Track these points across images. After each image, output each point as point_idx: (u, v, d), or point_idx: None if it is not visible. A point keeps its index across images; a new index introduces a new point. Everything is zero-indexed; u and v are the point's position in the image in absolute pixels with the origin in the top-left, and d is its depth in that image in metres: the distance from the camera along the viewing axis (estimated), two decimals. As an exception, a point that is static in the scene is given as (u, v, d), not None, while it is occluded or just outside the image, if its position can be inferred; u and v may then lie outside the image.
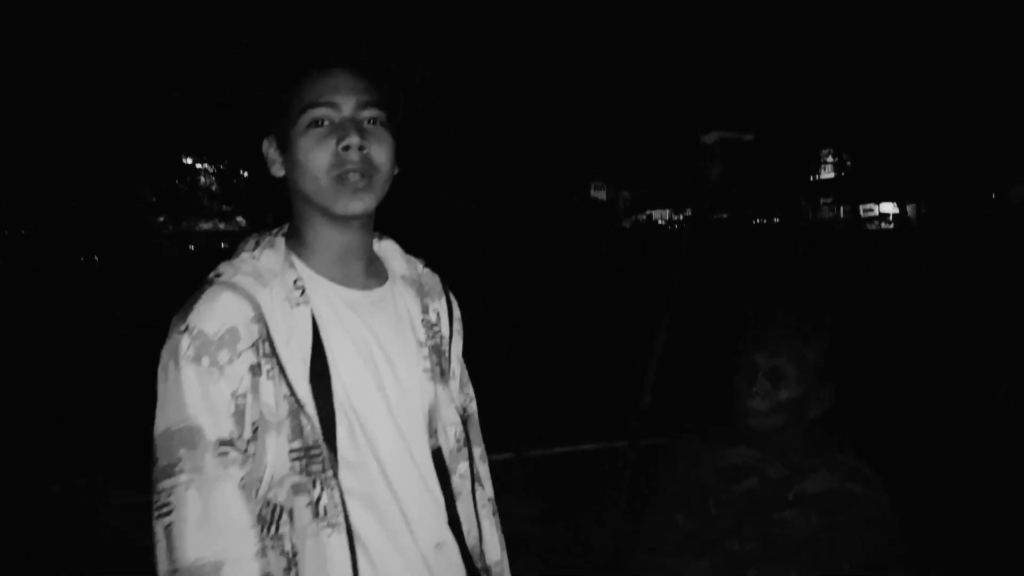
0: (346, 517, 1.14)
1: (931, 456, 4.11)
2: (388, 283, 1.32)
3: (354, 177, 1.19)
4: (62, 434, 5.23)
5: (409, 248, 1.42)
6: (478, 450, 1.41)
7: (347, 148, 1.19)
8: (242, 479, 1.11)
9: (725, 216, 26.41)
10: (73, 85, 9.78)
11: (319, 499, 1.13)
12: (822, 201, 38.21)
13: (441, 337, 1.35)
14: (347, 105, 1.22)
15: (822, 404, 1.66)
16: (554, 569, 3.51)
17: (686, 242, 3.69)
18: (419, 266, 1.40)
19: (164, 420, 1.11)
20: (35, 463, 4.69)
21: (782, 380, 1.62)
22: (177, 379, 1.11)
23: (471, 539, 1.32)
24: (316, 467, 1.13)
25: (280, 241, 1.25)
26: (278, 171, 1.26)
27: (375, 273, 1.31)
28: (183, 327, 1.12)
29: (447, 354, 1.35)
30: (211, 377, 1.10)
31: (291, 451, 1.13)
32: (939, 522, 3.35)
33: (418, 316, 1.32)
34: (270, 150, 1.27)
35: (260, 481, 1.13)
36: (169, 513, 1.08)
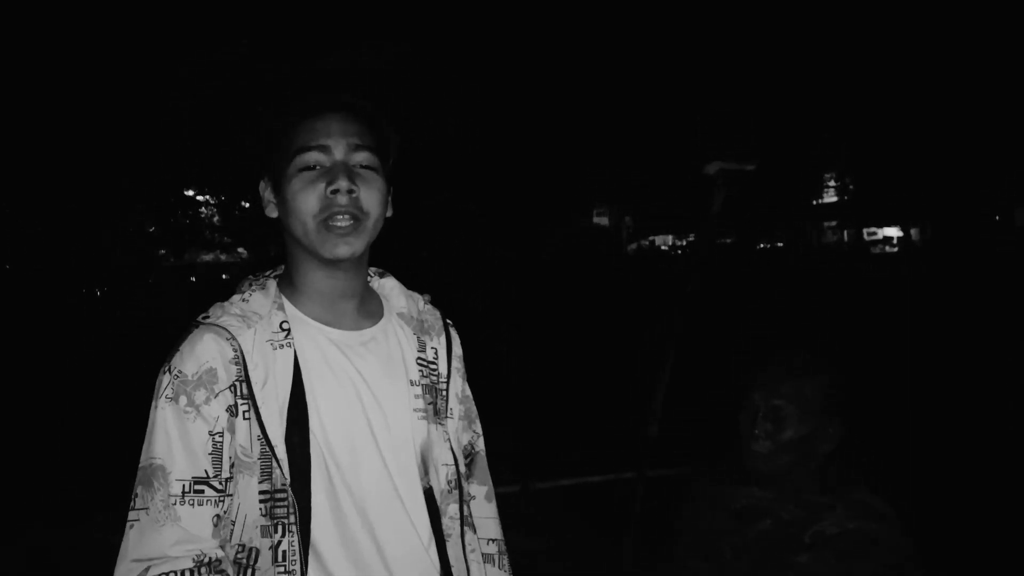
0: (303, 566, 1.13)
1: (946, 478, 4.03)
2: (382, 322, 1.32)
3: (342, 221, 1.19)
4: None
5: (414, 254, 1.41)
6: (484, 489, 1.41)
7: (335, 192, 1.19)
8: (215, 517, 1.13)
9: (729, 241, 26.47)
10: (72, 112, 9.82)
11: (279, 544, 1.13)
12: (826, 225, 38.27)
13: (438, 375, 1.34)
14: (338, 149, 1.21)
15: (830, 440, 1.64)
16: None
17: (691, 272, 3.67)
18: (420, 303, 1.39)
19: (143, 454, 1.16)
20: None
21: (783, 420, 1.62)
22: (154, 418, 1.14)
23: None
24: (280, 511, 1.13)
25: (272, 283, 1.26)
26: (272, 212, 1.28)
27: (368, 313, 1.31)
28: (166, 367, 1.16)
29: (444, 392, 1.33)
30: (188, 416, 1.13)
31: (260, 493, 1.14)
32: (954, 541, 3.29)
33: (412, 354, 1.31)
34: (265, 191, 1.29)
35: (234, 523, 1.14)
36: (123, 538, 1.13)
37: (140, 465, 1.14)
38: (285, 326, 1.20)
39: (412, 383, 1.29)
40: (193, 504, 1.11)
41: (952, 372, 6.21)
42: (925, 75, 18.97)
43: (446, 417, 1.32)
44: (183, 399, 1.13)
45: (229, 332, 1.17)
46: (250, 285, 1.26)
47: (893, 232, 35.84)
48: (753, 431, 1.64)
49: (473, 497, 1.38)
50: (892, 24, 18.21)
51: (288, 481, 1.14)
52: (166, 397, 1.13)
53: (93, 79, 9.72)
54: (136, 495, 1.13)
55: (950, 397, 5.61)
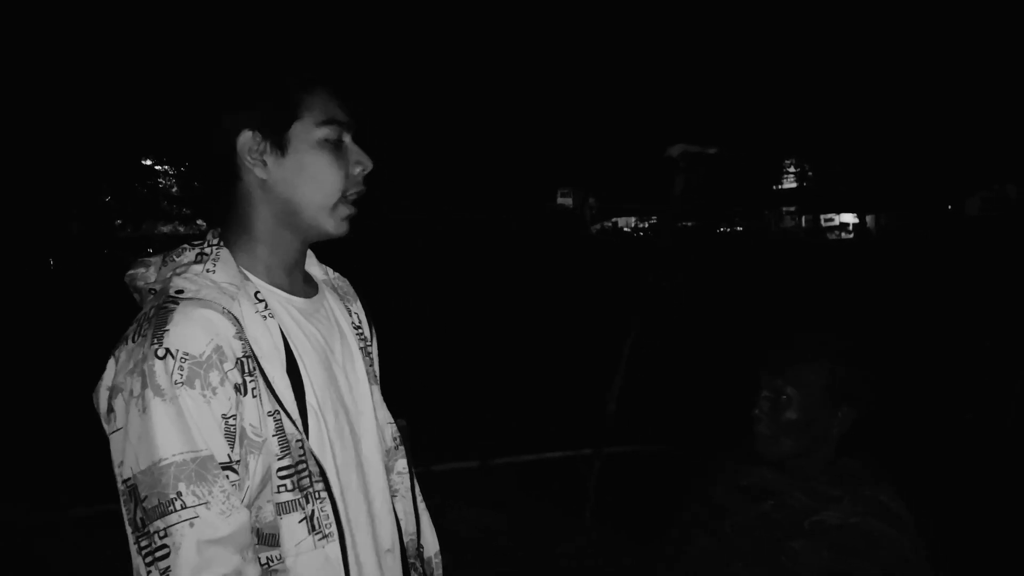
0: (339, 527, 1.14)
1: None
2: (320, 290, 1.30)
3: (355, 201, 1.21)
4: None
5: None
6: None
7: (363, 172, 1.20)
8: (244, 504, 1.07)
9: (690, 225, 26.70)
10: (22, 76, 9.49)
11: (313, 513, 1.11)
12: (784, 210, 38.81)
13: (366, 340, 1.34)
14: (352, 129, 1.21)
15: (839, 425, 1.60)
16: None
17: (657, 254, 3.72)
18: (330, 271, 1.37)
19: (148, 455, 1.02)
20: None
21: (784, 402, 1.59)
22: (166, 409, 1.02)
23: (408, 536, 1.33)
24: (305, 481, 1.11)
25: (226, 253, 1.18)
26: (261, 173, 1.17)
27: (309, 281, 1.30)
28: (160, 351, 1.03)
29: (373, 356, 1.35)
30: (204, 400, 1.04)
31: (280, 470, 1.10)
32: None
33: (346, 320, 1.31)
34: (256, 147, 1.16)
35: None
36: (166, 556, 1.01)
37: (164, 463, 1.02)
38: (260, 296, 1.16)
39: (358, 348, 1.30)
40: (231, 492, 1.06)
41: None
42: (882, 68, 19.26)
43: (377, 380, 1.34)
44: (198, 382, 1.04)
45: (221, 305, 1.09)
46: (200, 257, 1.17)
47: (849, 218, 36.49)
48: (755, 412, 1.62)
49: None
50: (850, 17, 18.43)
51: (311, 450, 1.13)
52: (177, 383, 1.03)
53: (39, 39, 9.40)
54: (180, 494, 1.02)
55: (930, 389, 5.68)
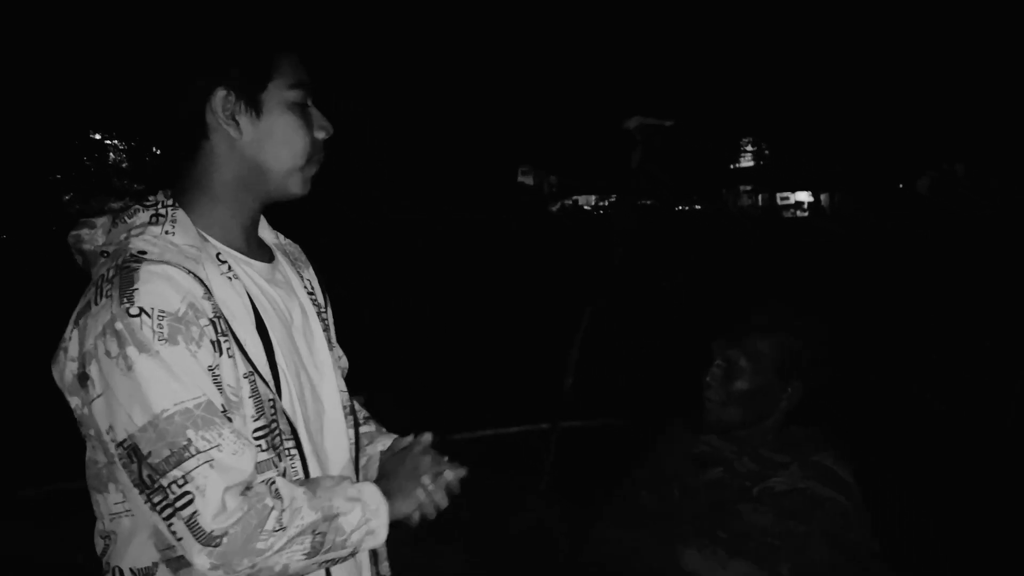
0: (306, 477, 1.16)
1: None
2: (275, 255, 1.30)
3: (318, 164, 1.22)
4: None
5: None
6: (363, 411, 1.47)
7: (325, 138, 1.22)
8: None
9: (649, 203, 26.84)
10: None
11: (285, 471, 1.13)
12: (741, 189, 39.26)
13: (319, 305, 1.33)
14: (312, 95, 1.22)
15: (788, 400, 1.63)
16: (479, 552, 3.51)
17: (616, 230, 3.74)
18: (281, 236, 1.38)
19: (144, 411, 1.01)
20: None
21: (736, 372, 1.62)
22: (154, 363, 1.02)
23: None
24: (277, 440, 1.13)
25: (181, 214, 1.16)
26: (234, 133, 1.16)
27: (262, 246, 1.30)
28: (133, 310, 1.02)
29: (327, 321, 1.35)
30: (191, 354, 1.04)
31: (256, 430, 1.11)
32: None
33: (300, 286, 1.31)
34: (227, 105, 1.15)
35: None
36: (189, 503, 1.01)
37: (165, 415, 1.01)
38: (222, 258, 1.16)
39: (315, 313, 1.31)
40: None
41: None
42: (837, 48, 19.51)
43: (333, 346, 1.35)
44: (180, 338, 1.03)
45: (186, 267, 1.08)
46: (156, 219, 1.14)
47: (804, 197, 37.07)
48: (706, 380, 1.65)
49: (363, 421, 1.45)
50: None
51: (283, 411, 1.14)
52: (160, 340, 1.02)
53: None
54: (191, 441, 1.01)
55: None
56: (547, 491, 3.77)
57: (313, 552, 1.07)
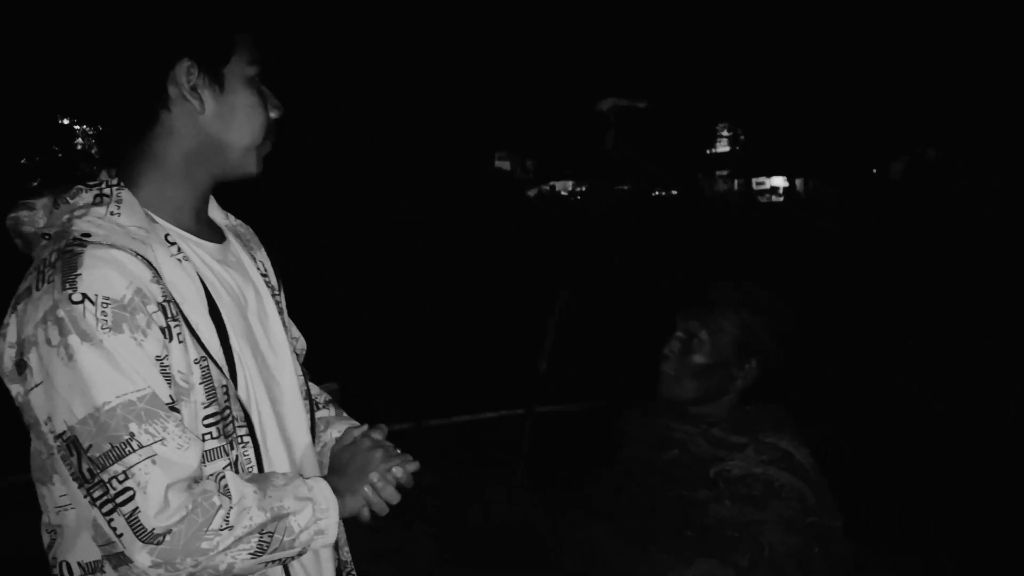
0: (260, 470, 1.14)
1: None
2: (226, 237, 1.26)
3: (271, 144, 1.21)
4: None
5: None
6: (322, 394, 1.44)
7: (278, 117, 1.21)
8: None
9: (626, 188, 26.94)
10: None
11: (237, 459, 1.10)
12: (718, 174, 39.50)
13: (273, 287, 1.30)
14: (264, 71, 1.20)
15: (745, 378, 1.62)
16: (455, 537, 3.51)
17: (590, 214, 3.74)
18: (231, 217, 1.33)
19: (85, 402, 0.98)
20: None
21: (694, 345, 1.61)
22: (97, 353, 0.98)
23: None
24: (230, 428, 1.10)
25: (127, 194, 1.11)
26: (197, 106, 1.12)
27: (213, 227, 1.25)
28: (76, 296, 0.98)
29: (281, 303, 1.32)
30: (136, 343, 1.00)
31: (205, 417, 1.07)
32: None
33: (252, 267, 1.27)
34: (190, 78, 1.11)
35: None
36: (130, 499, 0.97)
37: (106, 407, 0.98)
38: (171, 239, 1.12)
39: (270, 296, 1.28)
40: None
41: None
42: (811, 35, 19.61)
43: (288, 329, 1.31)
44: (125, 326, 0.99)
45: (134, 250, 1.03)
46: (101, 199, 1.09)
47: (779, 182, 37.36)
48: (664, 351, 1.64)
49: (319, 405, 1.41)
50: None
51: (236, 398, 1.11)
52: (103, 329, 0.98)
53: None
54: (133, 435, 0.97)
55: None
56: (523, 476, 3.77)
57: (260, 552, 1.04)
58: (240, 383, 1.13)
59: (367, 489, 1.18)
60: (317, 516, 1.09)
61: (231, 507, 1.02)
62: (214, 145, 1.15)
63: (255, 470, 1.13)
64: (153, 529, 0.97)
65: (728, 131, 35.65)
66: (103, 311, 0.99)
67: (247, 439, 1.12)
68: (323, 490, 1.12)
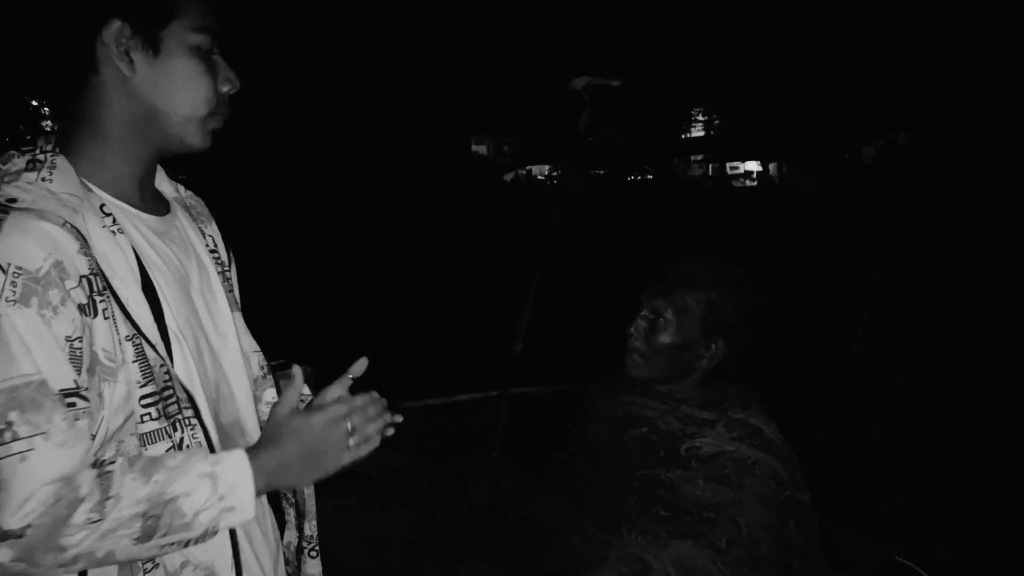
0: (211, 449, 1.09)
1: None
2: (171, 208, 1.21)
3: (222, 120, 1.15)
4: None
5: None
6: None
7: (231, 91, 1.15)
8: (92, 436, 0.98)
9: (602, 172, 26.96)
10: None
11: (182, 440, 1.05)
12: (692, 159, 39.63)
13: (223, 264, 1.27)
14: (221, 45, 1.14)
15: (711, 358, 1.61)
16: (430, 520, 3.52)
17: (561, 194, 3.75)
18: (181, 189, 1.28)
19: None
20: None
21: (660, 325, 1.59)
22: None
23: None
24: (172, 408, 1.05)
25: (62, 160, 1.06)
26: (126, 69, 1.07)
27: (159, 199, 1.21)
28: None
29: (232, 281, 1.29)
30: (43, 320, 0.94)
31: (143, 397, 1.02)
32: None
33: (200, 243, 1.23)
34: (121, 39, 1.06)
35: (93, 438, 1.00)
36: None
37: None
38: (106, 210, 1.07)
39: (216, 272, 1.23)
40: (74, 420, 0.97)
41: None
42: (785, 20, 19.69)
43: (238, 305, 1.28)
44: (35, 300, 0.93)
45: (62, 218, 0.98)
46: (33, 164, 1.04)
47: (753, 167, 37.59)
48: (630, 330, 1.62)
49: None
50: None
51: (176, 377, 1.06)
52: (8, 301, 0.92)
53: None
54: (10, 424, 0.91)
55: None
56: (498, 458, 3.78)
57: (145, 537, 0.97)
58: (178, 362, 1.08)
59: (345, 456, 1.09)
60: (221, 493, 1.00)
61: (102, 499, 0.95)
62: (149, 112, 1.10)
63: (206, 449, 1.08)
64: (10, 529, 0.92)
65: (703, 116, 35.77)
66: (13, 281, 0.94)
67: (194, 420, 1.07)
68: (234, 465, 1.02)
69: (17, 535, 0.92)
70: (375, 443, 1.10)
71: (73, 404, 0.96)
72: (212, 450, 1.09)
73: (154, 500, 0.97)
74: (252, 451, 1.05)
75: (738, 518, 1.50)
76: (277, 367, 1.49)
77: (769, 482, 1.52)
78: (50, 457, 0.93)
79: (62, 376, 0.96)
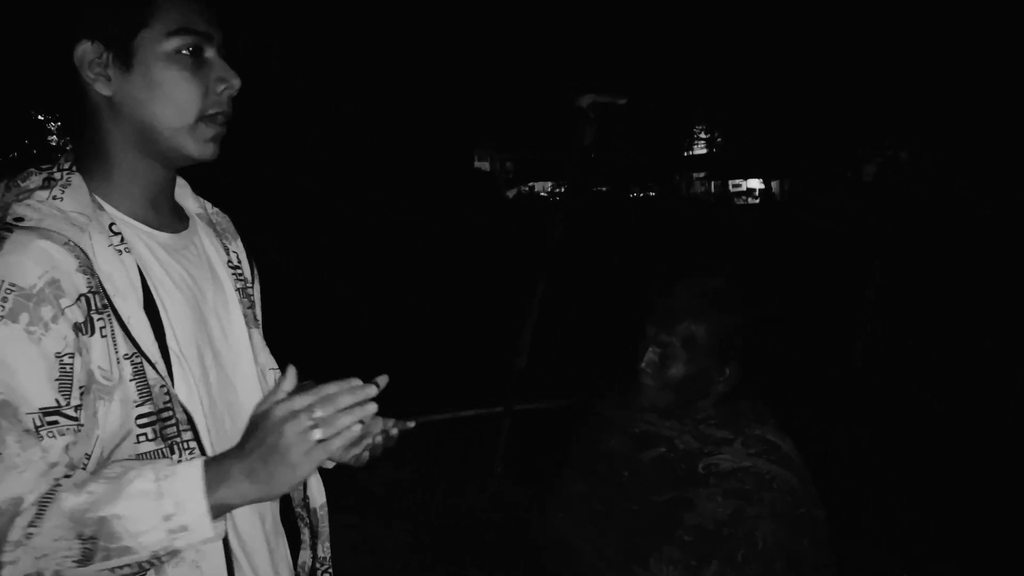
0: None
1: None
2: (191, 224, 1.21)
3: (222, 122, 1.10)
4: None
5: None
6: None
7: (228, 91, 1.10)
8: (66, 449, 0.95)
9: (604, 189, 27.03)
10: None
11: (180, 463, 1.02)
12: (695, 176, 39.71)
13: (245, 280, 1.25)
14: (217, 38, 1.09)
15: (725, 382, 1.59)
16: (431, 534, 3.51)
17: (563, 209, 3.76)
18: (208, 205, 1.28)
19: None
20: None
21: (671, 358, 1.57)
22: None
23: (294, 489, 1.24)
24: (171, 430, 1.02)
25: (77, 178, 1.06)
26: (103, 89, 1.05)
27: (178, 213, 1.20)
28: None
29: (253, 297, 1.26)
30: (32, 337, 0.93)
31: (139, 417, 1.00)
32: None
33: (222, 260, 1.22)
34: (95, 58, 1.04)
35: (88, 457, 0.98)
36: None
37: None
38: (115, 228, 1.06)
39: (234, 289, 1.21)
40: (47, 438, 0.94)
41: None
42: (787, 37, 19.78)
43: (259, 323, 1.26)
44: (24, 316, 0.93)
45: (65, 236, 0.98)
46: (48, 181, 1.05)
47: (755, 184, 37.66)
48: (641, 365, 1.59)
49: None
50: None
51: (175, 397, 1.04)
52: None
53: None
54: None
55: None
56: (502, 473, 3.78)
57: (85, 560, 0.91)
58: (179, 382, 1.06)
59: (291, 456, 0.92)
60: (166, 512, 0.91)
61: (39, 514, 0.90)
62: (140, 128, 1.07)
63: None
64: None
65: (705, 133, 35.89)
66: (4, 297, 0.94)
67: (192, 443, 1.04)
68: (184, 479, 0.92)
69: None
70: (351, 437, 0.91)
71: (54, 422, 0.94)
72: None
73: (77, 517, 0.90)
74: (214, 459, 0.95)
75: (756, 533, 1.49)
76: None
77: (786, 497, 1.51)
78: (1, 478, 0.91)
79: (40, 394, 0.94)
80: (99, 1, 1.04)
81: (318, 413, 0.90)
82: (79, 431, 0.96)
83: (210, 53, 1.09)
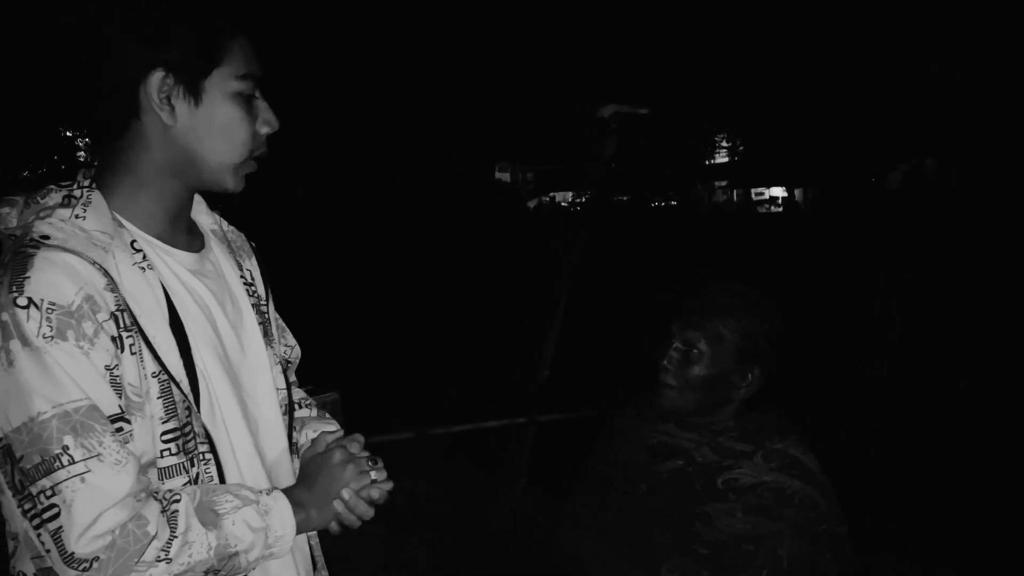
0: (221, 482, 1.11)
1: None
2: (207, 242, 1.23)
3: (258, 161, 1.16)
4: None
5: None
6: (299, 394, 1.40)
7: (268, 132, 1.16)
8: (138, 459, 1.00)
9: (625, 199, 27.01)
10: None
11: (198, 476, 1.07)
12: (717, 184, 39.53)
13: (259, 297, 1.27)
14: (261, 86, 1.15)
15: (748, 387, 1.57)
16: (452, 546, 3.51)
17: (585, 220, 3.76)
18: (223, 222, 1.30)
19: (21, 411, 0.94)
20: None
21: (694, 357, 1.56)
22: (37, 360, 0.94)
23: None
24: (191, 444, 1.06)
25: (98, 197, 1.08)
26: (168, 119, 1.08)
27: (194, 232, 1.22)
28: (22, 300, 0.95)
29: (267, 315, 1.27)
30: (82, 352, 0.96)
31: (164, 433, 1.04)
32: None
33: (236, 276, 1.24)
34: (164, 88, 1.07)
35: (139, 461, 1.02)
36: (55, 517, 0.94)
37: (42, 417, 0.94)
38: (137, 247, 1.08)
39: (249, 306, 1.23)
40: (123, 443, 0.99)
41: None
42: (809, 45, 19.69)
43: (272, 340, 1.27)
44: (71, 333, 0.95)
45: (91, 256, 1.00)
46: (69, 199, 1.06)
47: (779, 192, 37.41)
48: (663, 363, 1.58)
49: (298, 405, 1.36)
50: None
51: (196, 414, 1.07)
52: (45, 337, 0.94)
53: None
54: (66, 448, 0.93)
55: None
56: (525, 485, 3.76)
57: None
58: (203, 399, 1.09)
59: (336, 504, 1.15)
60: (270, 543, 1.08)
61: (171, 538, 0.98)
62: (187, 158, 1.11)
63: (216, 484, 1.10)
64: (74, 553, 0.94)
65: (727, 142, 35.76)
66: (48, 317, 0.95)
67: (208, 456, 1.09)
68: (279, 513, 1.09)
69: (84, 565, 0.93)
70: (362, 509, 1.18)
71: (120, 429, 0.98)
72: (223, 480, 1.11)
73: (220, 553, 1.03)
74: (294, 496, 1.13)
75: (779, 550, 1.46)
76: (310, 393, 1.50)
77: (809, 513, 1.48)
78: (108, 478, 0.95)
79: (108, 402, 0.98)
80: (183, 36, 1.07)
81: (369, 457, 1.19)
82: (133, 436, 1.01)
83: (258, 95, 1.15)
